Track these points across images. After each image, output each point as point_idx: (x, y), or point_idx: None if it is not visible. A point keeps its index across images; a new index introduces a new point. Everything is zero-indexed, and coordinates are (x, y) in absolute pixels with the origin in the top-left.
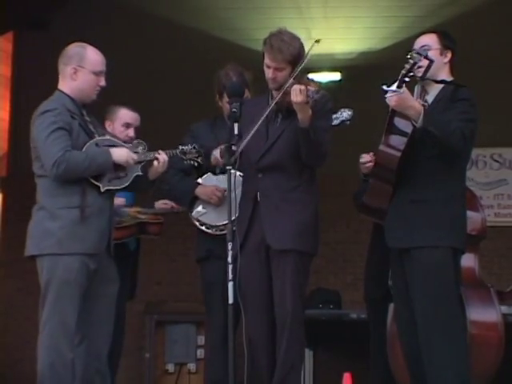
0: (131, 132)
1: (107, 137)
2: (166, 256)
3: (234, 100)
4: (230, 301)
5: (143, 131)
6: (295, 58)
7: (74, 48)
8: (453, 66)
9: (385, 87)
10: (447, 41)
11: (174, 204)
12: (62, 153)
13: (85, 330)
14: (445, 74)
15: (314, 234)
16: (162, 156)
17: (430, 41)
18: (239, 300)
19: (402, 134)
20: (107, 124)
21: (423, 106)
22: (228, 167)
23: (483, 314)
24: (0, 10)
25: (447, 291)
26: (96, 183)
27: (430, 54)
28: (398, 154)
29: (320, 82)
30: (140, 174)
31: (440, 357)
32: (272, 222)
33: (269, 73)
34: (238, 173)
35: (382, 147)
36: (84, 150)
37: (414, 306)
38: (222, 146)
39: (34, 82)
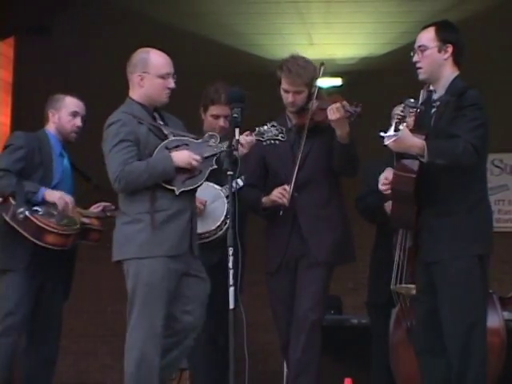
0: (78, 121)
1: (177, 137)
2: None
3: (235, 105)
4: (231, 306)
5: None
6: (312, 81)
7: (138, 55)
8: (457, 58)
9: (382, 134)
10: (446, 34)
11: (106, 204)
12: (121, 168)
13: (173, 323)
14: (448, 70)
15: (351, 242)
16: (244, 138)
17: (426, 40)
18: (239, 304)
19: (413, 156)
20: (51, 114)
21: (424, 136)
22: (229, 173)
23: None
24: (1, 15)
25: (474, 300)
26: (169, 187)
27: (427, 52)
28: (413, 175)
29: (321, 87)
30: (215, 167)
31: (463, 365)
32: (314, 236)
33: (288, 97)
34: (216, 186)
35: (395, 172)
36: (154, 153)
37: (441, 316)
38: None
39: (35, 86)
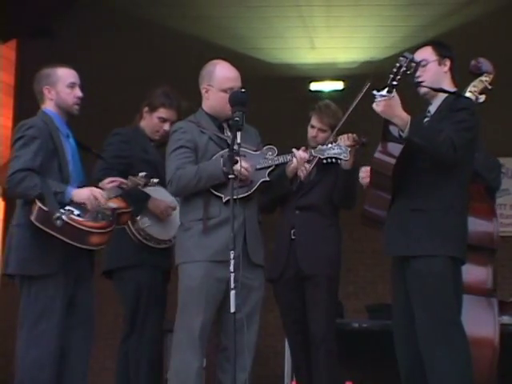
0: (78, 92)
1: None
2: None
3: (237, 109)
4: (232, 309)
5: None
6: (336, 124)
7: (206, 67)
8: (454, 73)
9: (375, 92)
10: (443, 50)
11: (122, 180)
12: (174, 171)
13: (225, 340)
14: (447, 83)
15: (339, 263)
16: (298, 153)
17: (425, 54)
18: (237, 312)
19: (398, 141)
20: (46, 91)
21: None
22: (230, 176)
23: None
24: (3, 18)
25: (446, 301)
26: (218, 194)
27: (429, 66)
28: (393, 160)
29: (322, 91)
30: (267, 179)
31: (442, 367)
32: (307, 253)
33: (312, 132)
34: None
35: (377, 154)
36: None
37: (415, 315)
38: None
39: None
